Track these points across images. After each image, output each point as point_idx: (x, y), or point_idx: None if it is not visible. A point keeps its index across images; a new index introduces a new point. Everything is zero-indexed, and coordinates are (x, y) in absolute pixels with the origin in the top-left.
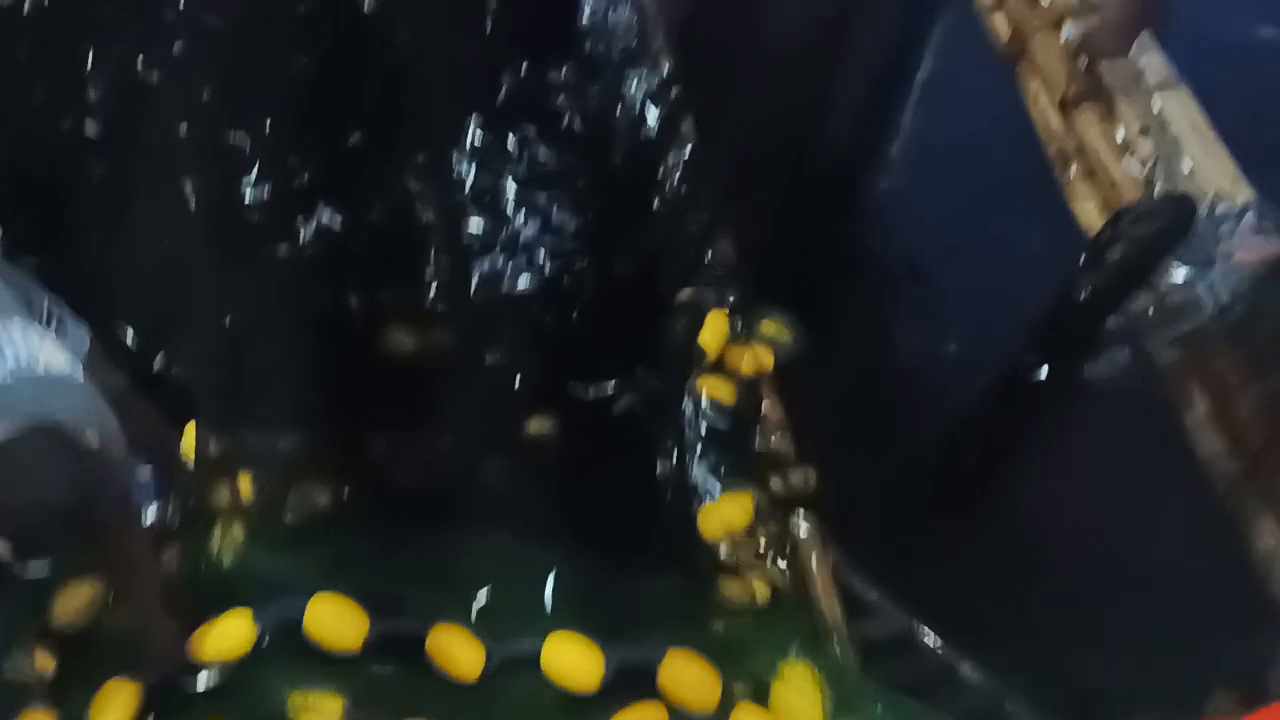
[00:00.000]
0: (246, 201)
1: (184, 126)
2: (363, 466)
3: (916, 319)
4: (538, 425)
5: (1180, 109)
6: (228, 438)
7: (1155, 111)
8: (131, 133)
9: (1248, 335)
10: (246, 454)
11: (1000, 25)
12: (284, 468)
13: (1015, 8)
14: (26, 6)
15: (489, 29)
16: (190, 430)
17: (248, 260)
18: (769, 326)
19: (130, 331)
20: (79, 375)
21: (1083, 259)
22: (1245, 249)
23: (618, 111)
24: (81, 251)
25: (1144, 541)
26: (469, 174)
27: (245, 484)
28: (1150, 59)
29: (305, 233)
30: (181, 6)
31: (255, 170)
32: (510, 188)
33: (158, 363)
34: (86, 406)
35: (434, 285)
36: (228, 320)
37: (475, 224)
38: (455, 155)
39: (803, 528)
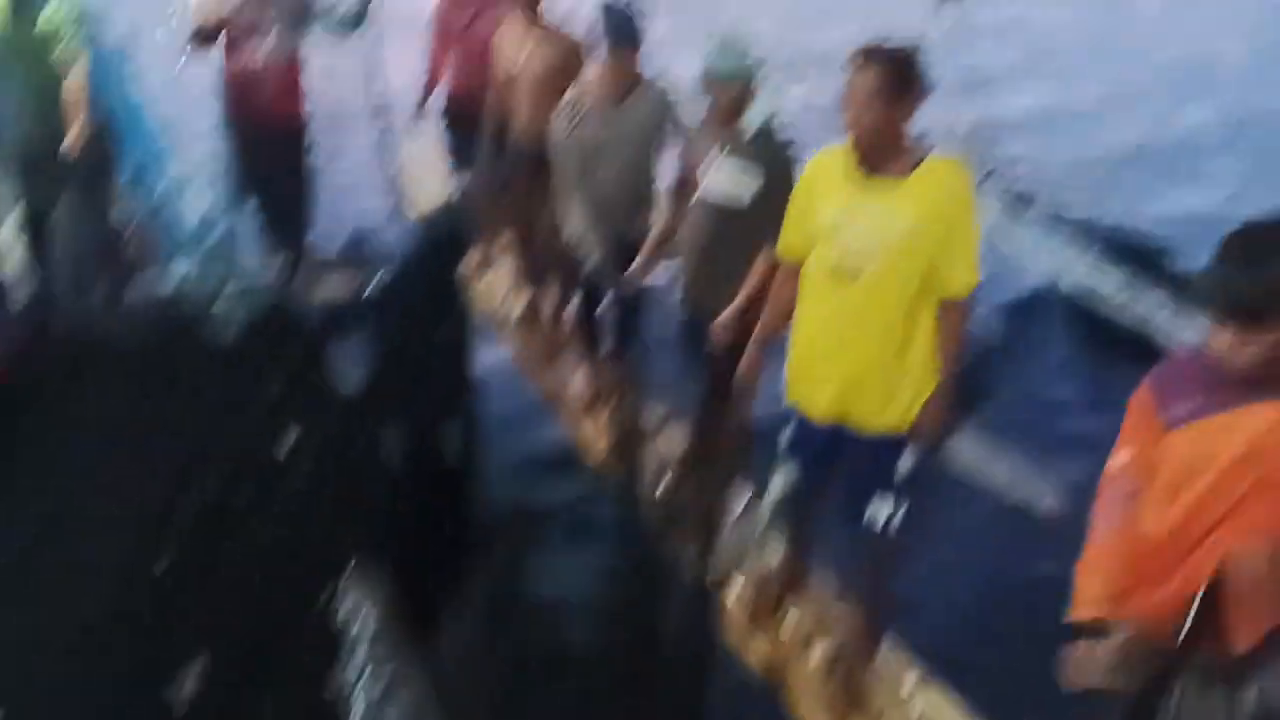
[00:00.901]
0: None
1: None
2: None
3: None
4: None
5: (940, 700)
6: None
7: (919, 711)
8: None
9: None
10: None
11: (753, 658)
12: None
13: (762, 636)
14: None
15: None
16: None
17: None
18: None
19: None
20: None
21: None
22: None
23: None
24: None
25: None
26: None
27: None
28: (901, 661)
29: None
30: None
31: None
32: None
33: None
34: None
35: None
36: None
37: None
38: None
39: None
